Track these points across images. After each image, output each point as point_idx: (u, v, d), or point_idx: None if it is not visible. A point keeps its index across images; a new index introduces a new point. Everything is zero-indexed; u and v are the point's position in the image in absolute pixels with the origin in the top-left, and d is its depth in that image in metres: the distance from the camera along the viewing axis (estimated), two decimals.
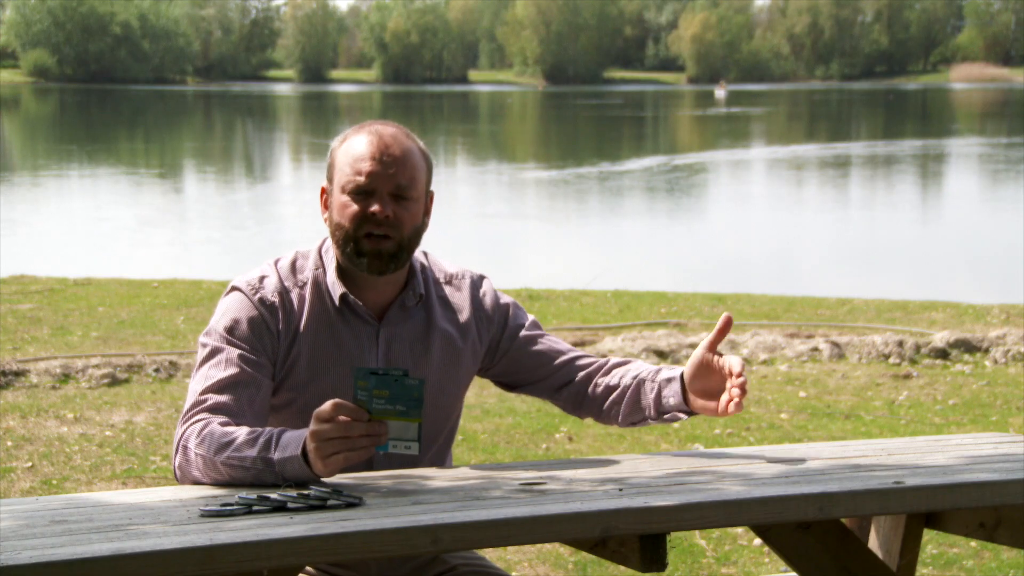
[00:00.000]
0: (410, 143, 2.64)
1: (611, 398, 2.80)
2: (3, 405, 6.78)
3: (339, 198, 2.62)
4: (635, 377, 2.77)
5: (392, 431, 2.34)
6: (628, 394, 2.77)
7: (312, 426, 2.35)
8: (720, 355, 2.64)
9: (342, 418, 2.32)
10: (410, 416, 2.34)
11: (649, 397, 2.74)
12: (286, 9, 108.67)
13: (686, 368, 2.69)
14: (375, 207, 2.58)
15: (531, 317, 2.87)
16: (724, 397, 2.60)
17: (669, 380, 2.72)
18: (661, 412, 2.73)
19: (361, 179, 2.58)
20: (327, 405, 2.34)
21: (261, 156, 34.47)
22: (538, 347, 2.82)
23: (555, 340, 2.86)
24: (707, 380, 2.65)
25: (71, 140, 37.37)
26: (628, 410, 2.78)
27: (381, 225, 2.58)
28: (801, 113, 58.84)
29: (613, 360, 2.85)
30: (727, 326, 2.63)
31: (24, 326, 9.09)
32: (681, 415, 2.71)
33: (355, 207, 2.59)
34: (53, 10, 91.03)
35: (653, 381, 2.74)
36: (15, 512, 2.21)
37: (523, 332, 2.81)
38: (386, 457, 2.58)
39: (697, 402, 2.67)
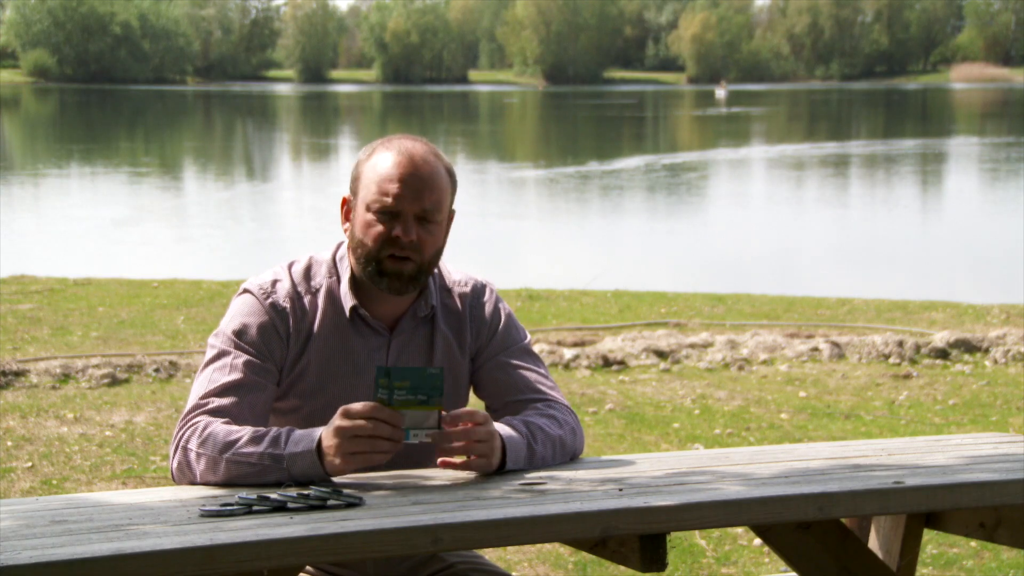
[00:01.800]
0: (437, 163, 2.63)
1: None
2: (3, 405, 6.78)
3: (363, 215, 2.61)
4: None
5: (413, 420, 2.37)
6: None
7: (338, 422, 2.37)
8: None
9: (372, 418, 2.34)
10: (431, 404, 2.38)
11: None
12: (286, 9, 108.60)
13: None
14: (399, 231, 2.57)
15: (522, 340, 2.78)
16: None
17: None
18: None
19: (388, 200, 2.57)
20: (362, 404, 2.36)
21: (261, 156, 34.47)
22: (504, 375, 2.74)
23: (529, 375, 2.74)
24: None
25: (71, 140, 37.36)
26: None
27: (404, 248, 2.58)
28: (801, 113, 58.83)
29: (530, 414, 2.68)
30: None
31: (24, 326, 9.09)
32: None
33: (379, 228, 2.59)
34: (53, 10, 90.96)
35: None
36: (15, 512, 2.21)
37: (501, 355, 2.75)
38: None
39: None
